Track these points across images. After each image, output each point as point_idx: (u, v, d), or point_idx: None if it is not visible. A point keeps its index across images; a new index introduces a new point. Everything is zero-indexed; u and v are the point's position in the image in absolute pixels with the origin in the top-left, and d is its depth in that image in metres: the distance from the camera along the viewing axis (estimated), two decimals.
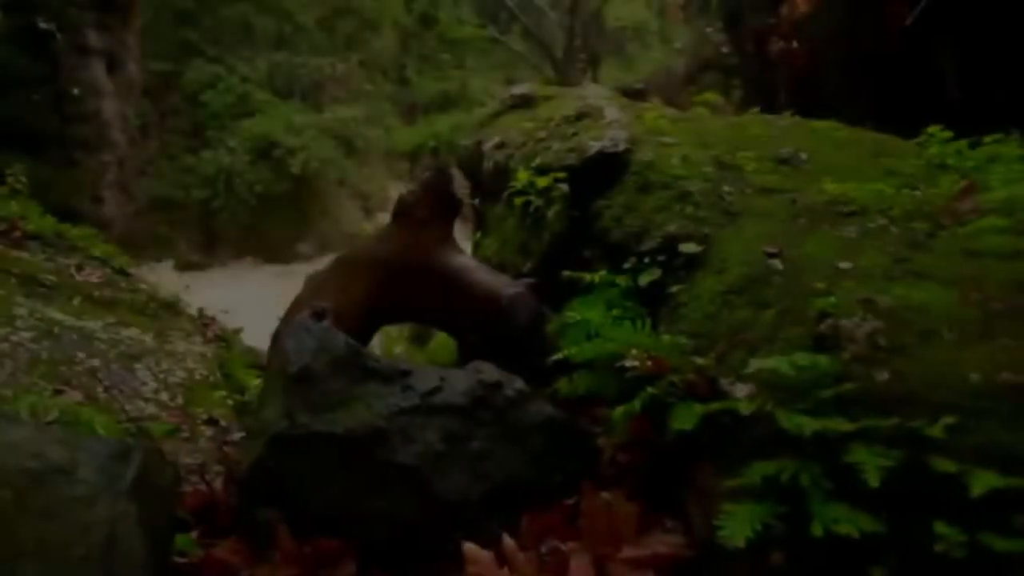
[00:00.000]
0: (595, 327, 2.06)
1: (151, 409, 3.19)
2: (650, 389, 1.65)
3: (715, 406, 1.48)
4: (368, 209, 17.45)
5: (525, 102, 3.89)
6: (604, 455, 2.08)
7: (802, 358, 1.36)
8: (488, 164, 3.36)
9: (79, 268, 4.19)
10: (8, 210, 4.15)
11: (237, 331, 4.72)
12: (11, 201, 4.38)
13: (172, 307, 4.48)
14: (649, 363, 1.76)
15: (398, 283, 2.54)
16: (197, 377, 3.72)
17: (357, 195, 17.18)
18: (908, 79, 4.41)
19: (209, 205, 15.25)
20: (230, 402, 3.62)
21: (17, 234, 4.00)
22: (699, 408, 1.65)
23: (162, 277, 6.93)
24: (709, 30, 10.20)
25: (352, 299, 2.55)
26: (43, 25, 6.67)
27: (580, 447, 2.02)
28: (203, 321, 4.59)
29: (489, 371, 1.94)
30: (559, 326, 2.35)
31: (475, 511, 1.81)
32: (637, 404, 1.63)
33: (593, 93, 3.61)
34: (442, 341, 5.57)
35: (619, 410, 1.67)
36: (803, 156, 2.45)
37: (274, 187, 15.60)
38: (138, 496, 1.92)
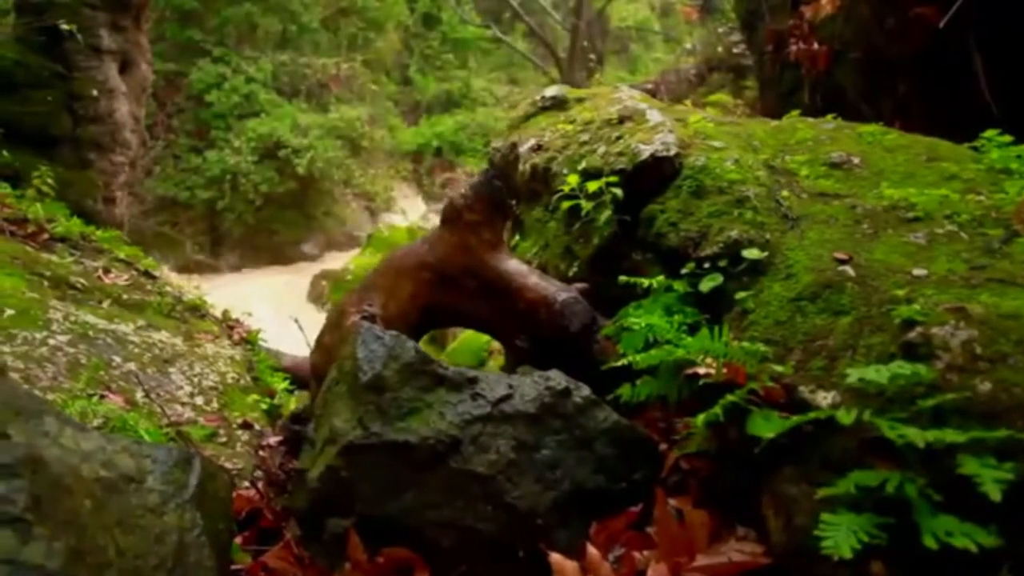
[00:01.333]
0: (656, 333, 2.04)
1: (188, 413, 3.18)
2: (730, 396, 1.64)
3: (812, 415, 1.47)
4: (372, 210, 17.43)
5: (557, 104, 3.88)
6: (666, 462, 2.08)
7: (901, 367, 1.35)
8: (525, 167, 3.34)
9: (106, 271, 4.17)
10: (35, 212, 4.12)
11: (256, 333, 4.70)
12: (37, 203, 4.35)
13: (197, 310, 4.47)
14: (725, 370, 1.75)
15: (447, 287, 2.53)
16: (229, 380, 3.70)
17: (362, 195, 17.15)
18: (937, 82, 4.41)
19: (214, 205, 15.21)
20: (263, 406, 3.61)
21: (45, 236, 3.98)
22: (778, 415, 1.65)
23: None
24: (720, 31, 10.20)
25: (400, 303, 2.54)
26: (64, 27, 6.63)
27: (643, 454, 2.01)
28: (228, 323, 4.58)
29: (557, 378, 1.92)
30: (615, 331, 2.34)
31: (545, 519, 1.80)
32: (720, 412, 1.62)
33: (627, 95, 3.60)
34: (464, 343, 5.56)
35: (700, 417, 1.66)
36: (856, 160, 2.44)
37: (278, 187, 15.58)
38: (201, 505, 1.92)
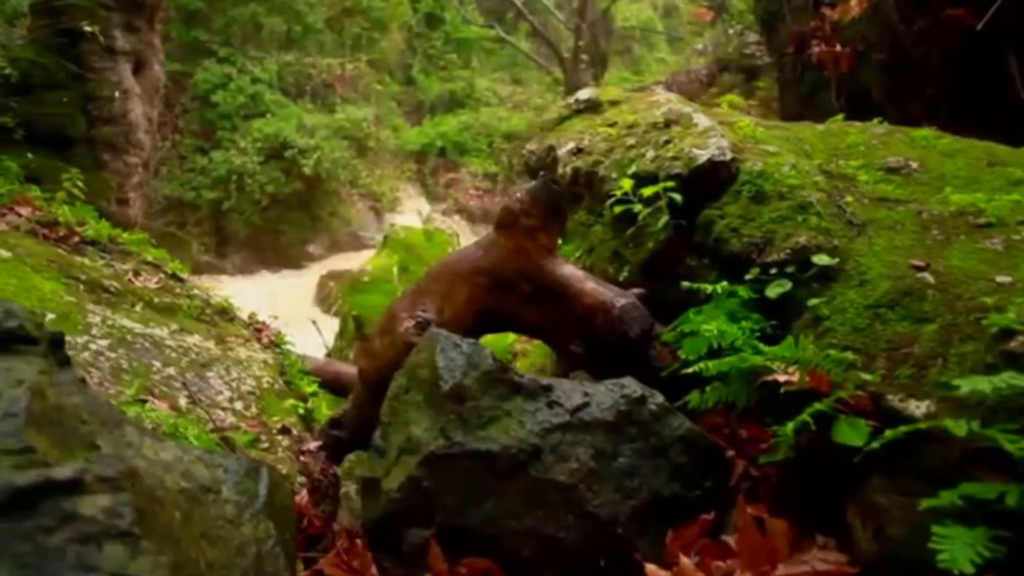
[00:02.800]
0: (725, 339, 2.03)
1: (230, 419, 3.16)
2: (818, 405, 1.63)
3: (921, 424, 1.45)
4: (378, 210, 17.39)
5: (591, 107, 3.87)
6: (735, 469, 2.07)
7: (1015, 378, 1.34)
8: (564, 170, 3.33)
9: (136, 274, 4.15)
10: (65, 215, 4.10)
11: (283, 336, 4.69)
12: (65, 206, 4.33)
13: (225, 313, 4.44)
14: (808, 378, 1.74)
15: (502, 292, 2.51)
16: (264, 385, 3.69)
17: (367, 196, 17.11)
18: (968, 84, 4.40)
19: (220, 206, 15.16)
20: (300, 411, 3.59)
21: (76, 240, 3.96)
22: (865, 424, 1.64)
23: None
24: (731, 31, 10.20)
25: (455, 308, 2.52)
26: (88, 28, 6.59)
27: (714, 461, 2.00)
28: (255, 327, 4.56)
29: (631, 385, 1.91)
30: (675, 337, 2.33)
31: (626, 528, 1.79)
32: (810, 420, 1.61)
33: (665, 98, 3.59)
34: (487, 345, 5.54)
35: (789, 425, 1.65)
36: (913, 165, 2.43)
37: (284, 188, 15.53)
38: (271, 514, 1.90)
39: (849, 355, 1.70)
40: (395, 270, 7.61)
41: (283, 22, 16.73)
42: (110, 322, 3.40)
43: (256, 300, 8.82)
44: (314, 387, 4.16)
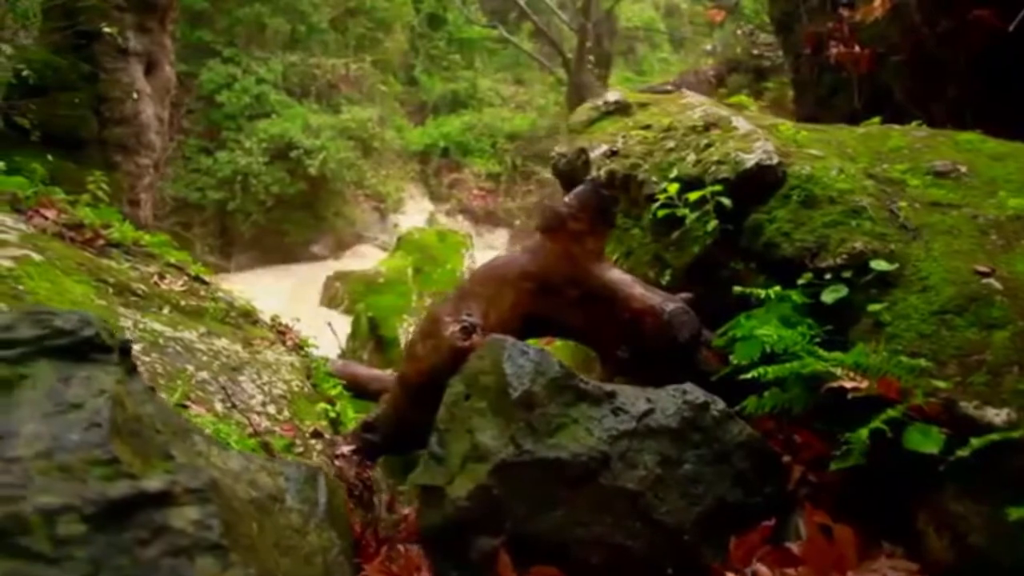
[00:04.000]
0: (784, 344, 2.02)
1: (265, 423, 3.14)
2: (891, 411, 1.62)
3: (1014, 434, 1.45)
4: (382, 211, 17.37)
5: (620, 109, 3.86)
6: (792, 475, 2.06)
7: None
8: (599, 173, 3.31)
9: (160, 276, 4.12)
10: (89, 217, 4.07)
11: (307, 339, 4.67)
12: (88, 208, 4.30)
13: (249, 315, 4.42)
14: (876, 385, 1.73)
15: (548, 297, 2.50)
16: (295, 388, 3.67)
17: (372, 196, 17.09)
18: (993, 85, 4.40)
19: (225, 206, 15.13)
20: (331, 414, 3.58)
21: (101, 242, 3.93)
22: (938, 431, 1.63)
23: None
24: (739, 32, 10.20)
25: (501, 312, 2.51)
26: (106, 30, 6.57)
27: (772, 467, 2.00)
28: (278, 329, 4.54)
29: (694, 391, 1.90)
30: (726, 341, 2.32)
31: (692, 535, 1.78)
32: (885, 427, 1.60)
33: (698, 100, 3.58)
34: None
35: (862, 432, 1.64)
36: (962, 169, 2.43)
37: (289, 188, 15.50)
38: (332, 522, 1.89)
39: (921, 362, 1.69)
40: (409, 271, 7.59)
41: (287, 22, 16.69)
42: (141, 326, 3.38)
43: (262, 301, 8.78)
44: (339, 390, 4.14)
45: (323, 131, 15.42)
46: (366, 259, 15.62)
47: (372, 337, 6.92)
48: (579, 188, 2.48)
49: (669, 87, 10.86)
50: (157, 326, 3.51)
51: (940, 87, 4.80)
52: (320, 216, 16.28)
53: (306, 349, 4.29)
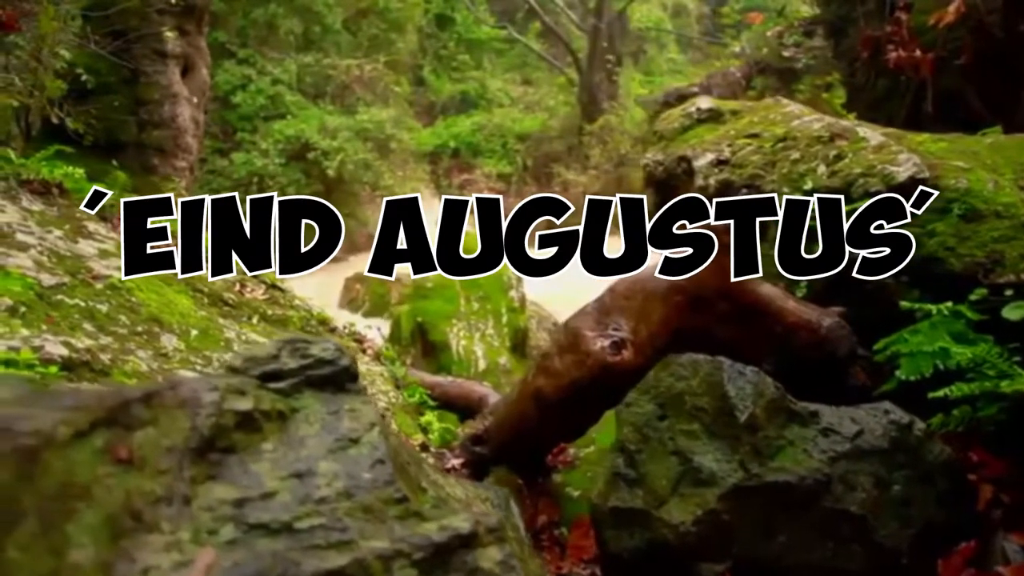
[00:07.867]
0: (973, 360, 2.00)
1: None
2: None
3: None
4: None
5: (713, 116, 3.84)
6: (981, 495, 2.04)
7: None
8: (707, 181, 3.29)
9: (243, 285, 4.08)
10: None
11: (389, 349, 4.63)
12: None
13: (326, 323, 4.39)
14: None
15: (698, 310, 2.47)
16: (392, 400, 3.64)
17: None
18: None
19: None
20: (436, 428, 3.54)
21: None
22: None
23: None
24: (768, 34, 10.20)
25: (651, 327, 2.48)
26: (145, 32, 6.51)
27: (966, 487, 1.98)
28: (355, 338, 4.50)
29: (895, 410, 1.88)
30: (887, 357, 2.30)
31: (908, 558, 1.76)
32: None
33: (798, 109, 3.56)
34: None
35: None
36: None
37: (305, 190, 15.41)
38: (528, 550, 1.86)
39: None
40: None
41: (301, 23, 16.60)
42: (243, 337, 3.34)
43: None
44: (427, 401, 4.10)
45: (340, 132, 15.33)
46: None
47: (419, 341, 6.86)
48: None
49: (695, 89, 10.86)
50: (254, 336, 3.47)
51: (1015, 92, 4.79)
52: None
53: (392, 360, 4.25)
